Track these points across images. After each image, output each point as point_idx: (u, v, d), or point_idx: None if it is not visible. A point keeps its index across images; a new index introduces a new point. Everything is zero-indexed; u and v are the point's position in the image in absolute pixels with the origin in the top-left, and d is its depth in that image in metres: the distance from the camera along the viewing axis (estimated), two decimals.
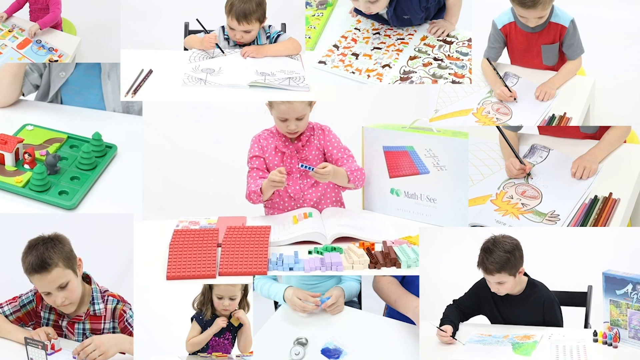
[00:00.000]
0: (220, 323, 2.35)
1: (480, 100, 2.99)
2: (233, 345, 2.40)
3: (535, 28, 2.97)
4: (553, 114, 2.86)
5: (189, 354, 2.35)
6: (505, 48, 3.10)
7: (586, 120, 2.95)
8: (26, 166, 2.61)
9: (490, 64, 3.03)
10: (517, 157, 2.77)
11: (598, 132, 2.84)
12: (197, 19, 3.03)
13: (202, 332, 2.36)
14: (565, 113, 2.86)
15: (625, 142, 2.80)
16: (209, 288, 2.36)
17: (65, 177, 2.60)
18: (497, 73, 3.01)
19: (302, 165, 2.64)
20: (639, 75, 3.08)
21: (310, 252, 2.47)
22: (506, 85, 2.97)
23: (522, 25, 2.98)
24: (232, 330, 2.40)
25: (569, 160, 2.76)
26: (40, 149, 2.69)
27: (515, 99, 2.94)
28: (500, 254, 2.36)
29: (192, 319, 2.38)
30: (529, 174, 2.77)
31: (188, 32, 3.22)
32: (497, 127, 2.81)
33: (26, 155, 2.62)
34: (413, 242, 2.48)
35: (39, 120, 2.87)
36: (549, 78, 3.00)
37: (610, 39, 3.12)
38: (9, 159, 2.61)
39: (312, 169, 2.62)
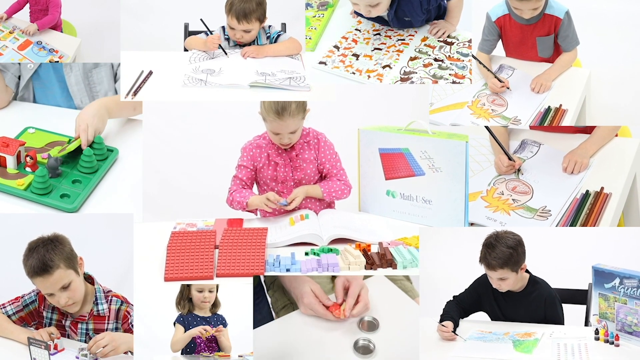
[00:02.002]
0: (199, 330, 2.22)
1: (475, 93, 2.83)
2: (217, 344, 2.28)
3: (529, 20, 2.80)
4: (549, 106, 2.71)
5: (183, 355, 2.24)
6: (500, 40, 2.93)
7: (582, 112, 2.79)
8: (28, 169, 2.47)
9: (476, 58, 2.82)
10: (505, 153, 2.62)
11: (589, 126, 2.69)
12: (201, 19, 2.85)
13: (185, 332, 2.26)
14: (561, 105, 2.70)
15: (616, 135, 2.66)
16: (187, 285, 2.24)
17: (66, 180, 2.45)
18: (484, 66, 2.84)
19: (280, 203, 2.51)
20: (635, 66, 2.93)
21: (307, 254, 2.32)
22: (496, 77, 2.81)
23: (517, 17, 2.81)
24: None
25: (559, 155, 2.62)
26: (42, 152, 2.55)
27: (508, 87, 2.79)
28: (503, 249, 2.21)
29: (174, 323, 2.27)
30: (519, 170, 2.62)
31: (188, 33, 3.03)
32: (486, 126, 2.65)
33: (28, 158, 2.48)
34: (409, 243, 2.34)
35: (40, 124, 2.72)
36: (544, 70, 2.83)
37: (606, 30, 2.99)
38: (10, 161, 2.47)
39: (286, 203, 2.49)
